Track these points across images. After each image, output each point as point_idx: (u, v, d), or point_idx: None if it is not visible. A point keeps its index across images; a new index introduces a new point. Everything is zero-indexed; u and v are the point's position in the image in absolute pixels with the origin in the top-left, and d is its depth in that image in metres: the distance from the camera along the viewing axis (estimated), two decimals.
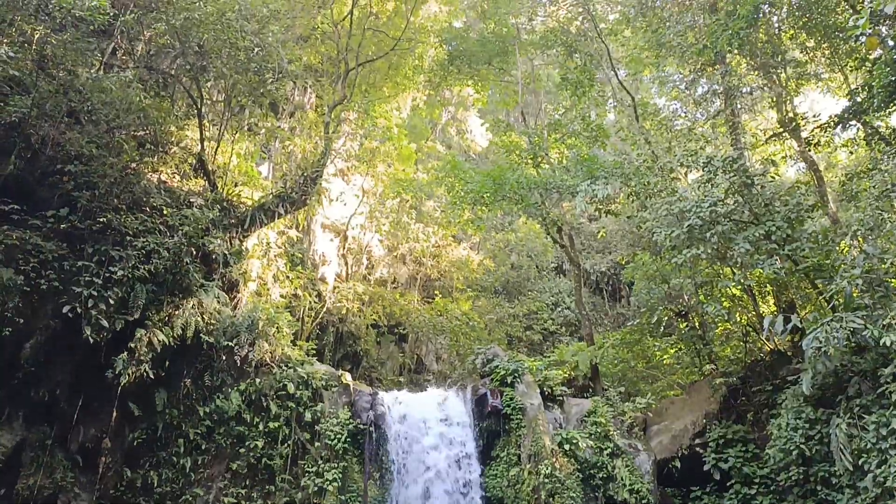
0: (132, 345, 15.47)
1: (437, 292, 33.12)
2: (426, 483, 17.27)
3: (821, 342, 14.48)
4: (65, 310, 14.61)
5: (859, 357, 15.29)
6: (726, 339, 21.04)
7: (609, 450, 17.75)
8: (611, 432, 18.10)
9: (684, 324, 21.39)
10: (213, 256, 18.04)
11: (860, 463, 14.34)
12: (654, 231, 18.17)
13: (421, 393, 20.79)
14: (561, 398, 19.40)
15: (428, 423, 18.26)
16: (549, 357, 24.36)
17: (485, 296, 35.52)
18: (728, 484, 17.22)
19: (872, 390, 14.78)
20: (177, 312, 16.64)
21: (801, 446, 15.49)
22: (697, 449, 17.97)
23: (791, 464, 15.82)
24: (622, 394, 22.13)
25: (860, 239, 15.62)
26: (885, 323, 14.21)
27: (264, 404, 17.33)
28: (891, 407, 14.14)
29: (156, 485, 15.99)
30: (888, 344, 13.78)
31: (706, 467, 17.48)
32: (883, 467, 13.79)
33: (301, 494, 16.42)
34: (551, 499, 16.36)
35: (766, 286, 19.52)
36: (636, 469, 17.56)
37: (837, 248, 16.96)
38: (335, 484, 16.47)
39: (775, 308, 19.58)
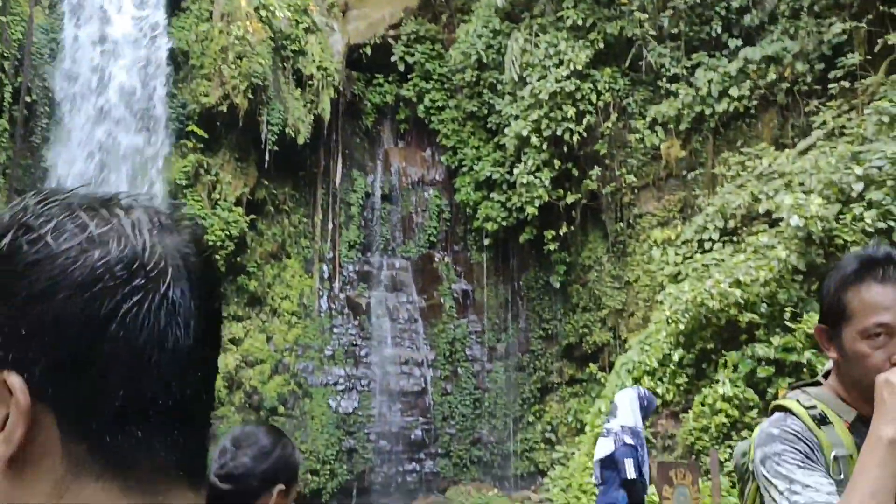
0: None
1: None
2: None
3: None
4: None
5: None
6: None
7: (306, 24, 17.73)
8: (310, 7, 17.91)
9: None
10: None
11: (524, 75, 16.37)
12: None
13: None
14: None
15: None
16: None
17: None
18: (409, 76, 18.67)
19: (553, 13, 16.40)
20: None
21: (481, 52, 17.07)
22: (389, 40, 18.80)
23: (468, 67, 17.48)
24: None
25: None
26: None
27: None
28: (564, 30, 15.98)
29: None
30: None
31: (393, 58, 18.57)
32: (541, 82, 15.95)
33: None
34: (239, 60, 16.28)
35: None
36: (329, 48, 17.98)
37: None
38: None
39: None
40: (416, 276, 18.69)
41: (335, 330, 17.56)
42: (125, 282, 0.63)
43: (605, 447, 5.52)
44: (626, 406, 5.58)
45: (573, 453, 13.54)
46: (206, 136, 16.01)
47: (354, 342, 17.62)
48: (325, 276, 17.97)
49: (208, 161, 15.89)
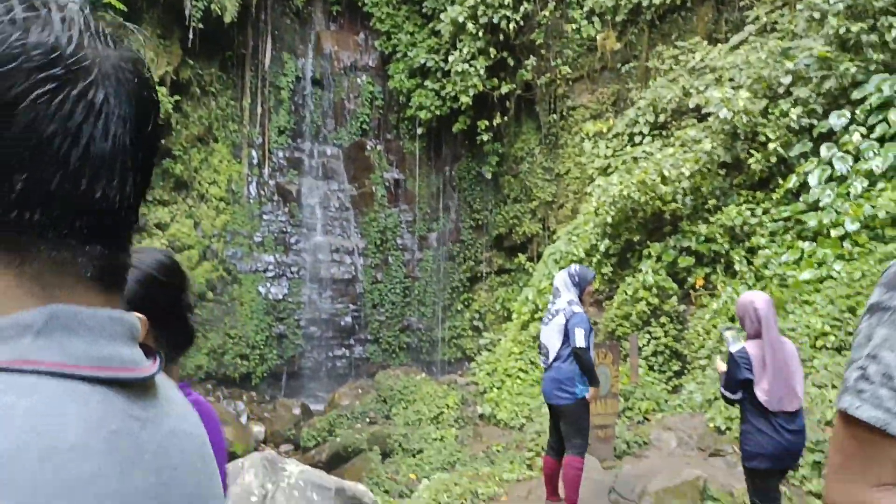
0: None
1: None
2: None
3: None
4: None
5: None
6: None
7: None
8: None
9: None
10: None
11: None
12: None
13: None
14: None
15: None
16: None
17: None
18: None
19: None
20: None
21: None
22: None
23: None
24: None
25: None
26: None
27: None
28: None
29: None
30: None
31: None
32: None
33: None
34: None
35: None
36: None
37: None
38: None
39: None
40: (348, 163, 18.43)
41: (265, 217, 17.32)
42: (40, 67, 0.61)
43: (552, 327, 5.65)
44: (563, 286, 5.68)
45: (500, 340, 13.98)
46: (125, 9, 15.02)
47: (284, 229, 17.45)
48: (254, 161, 17.54)
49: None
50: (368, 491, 2.73)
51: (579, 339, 5.35)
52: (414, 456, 10.77)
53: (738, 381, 4.52)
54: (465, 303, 18.31)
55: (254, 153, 17.56)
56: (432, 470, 9.22)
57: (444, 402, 12.08)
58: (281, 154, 17.89)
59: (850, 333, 7.57)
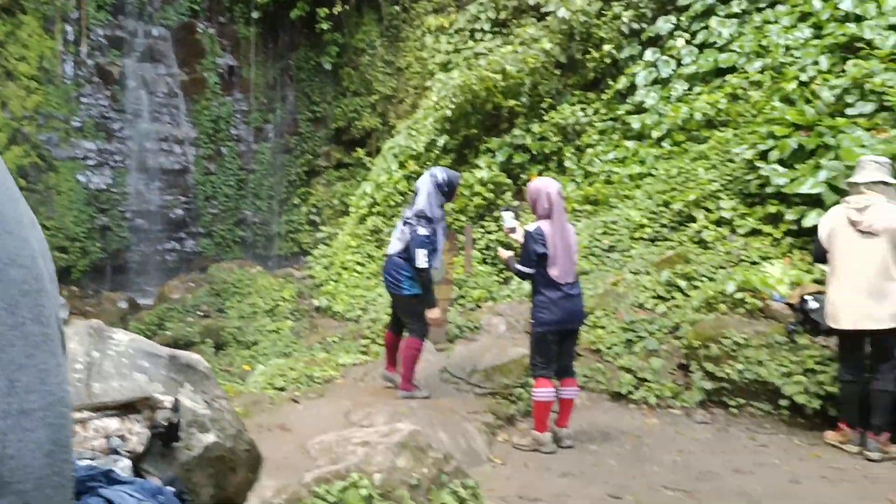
0: None
1: None
2: None
3: None
4: None
5: None
6: None
7: None
8: None
9: None
10: None
11: None
12: None
13: None
14: None
15: None
16: None
17: None
18: None
19: None
20: None
21: None
22: None
23: None
24: None
25: None
26: None
27: None
28: None
29: None
30: None
31: None
32: None
33: None
34: None
35: None
36: None
37: None
38: None
39: None
40: (177, 46, 17.16)
41: (83, 100, 15.89)
42: None
43: (397, 231, 5.65)
44: (424, 192, 5.60)
45: (337, 234, 13.92)
46: None
47: (106, 114, 16.13)
48: (70, 38, 15.90)
49: None
50: (203, 360, 2.66)
51: (420, 260, 5.39)
52: (248, 348, 10.68)
53: (535, 256, 4.85)
54: (303, 197, 17.98)
55: (69, 29, 15.90)
56: (267, 361, 9.20)
57: (279, 295, 11.98)
58: (101, 32, 16.33)
59: (665, 226, 8.19)
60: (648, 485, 4.44)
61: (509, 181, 11.21)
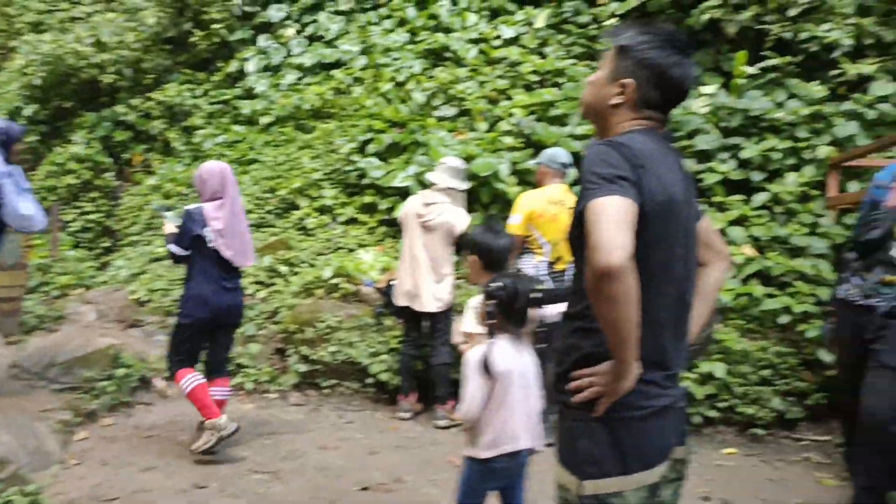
0: None
1: None
2: None
3: None
4: None
5: None
6: None
7: None
8: None
9: None
10: None
11: None
12: None
13: None
14: None
15: None
16: None
17: None
18: None
19: None
20: None
21: None
22: None
23: None
24: None
25: None
26: None
27: None
28: None
29: None
30: None
31: None
32: None
33: None
34: None
35: None
36: None
37: None
38: None
39: None
40: None
41: None
42: None
43: None
44: None
45: None
46: None
47: None
48: None
49: None
50: None
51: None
52: None
53: (191, 237, 4.56)
54: None
55: None
56: None
57: None
58: None
59: (269, 212, 8.26)
60: (235, 470, 4.44)
61: (110, 160, 10.38)
